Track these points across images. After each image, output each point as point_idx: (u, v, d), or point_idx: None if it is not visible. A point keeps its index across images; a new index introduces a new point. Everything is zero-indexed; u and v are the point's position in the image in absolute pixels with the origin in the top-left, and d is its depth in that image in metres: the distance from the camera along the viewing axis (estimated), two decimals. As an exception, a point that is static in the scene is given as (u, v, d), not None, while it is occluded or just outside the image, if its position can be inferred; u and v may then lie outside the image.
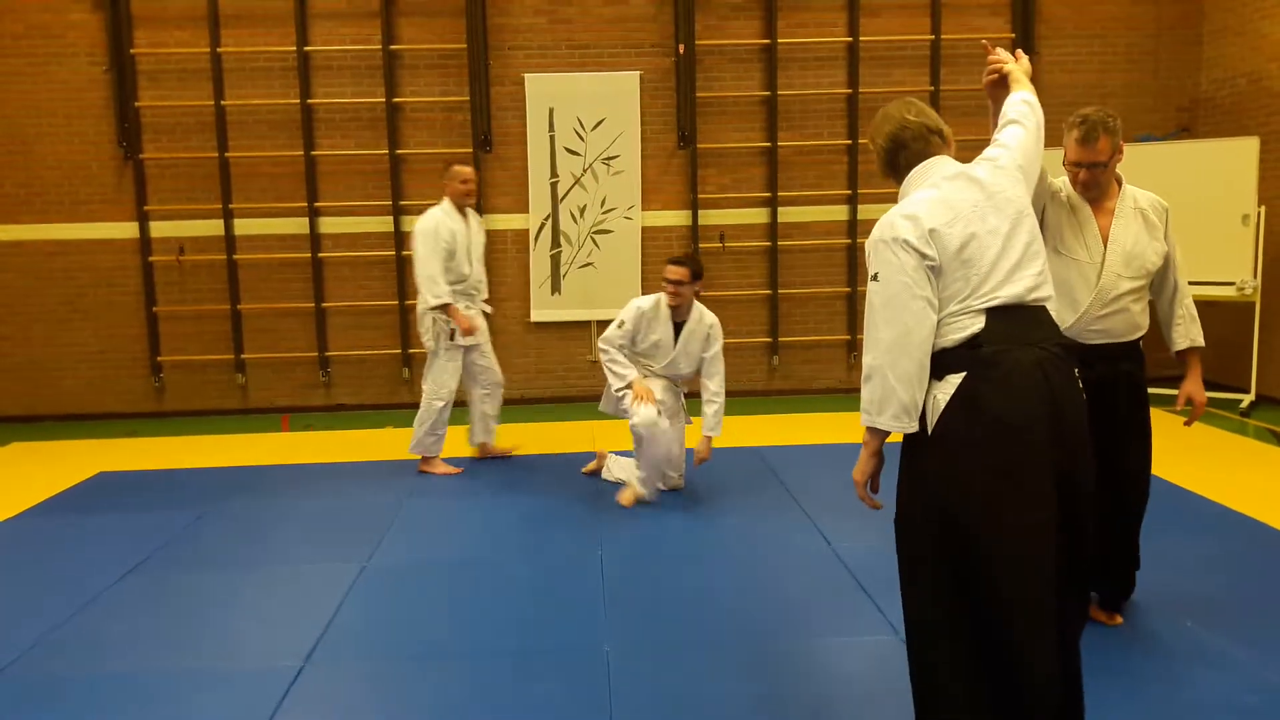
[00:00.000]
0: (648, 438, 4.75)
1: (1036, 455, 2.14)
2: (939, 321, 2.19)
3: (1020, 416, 2.13)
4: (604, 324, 7.46)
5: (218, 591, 3.86)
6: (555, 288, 7.57)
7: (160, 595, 3.84)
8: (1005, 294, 2.18)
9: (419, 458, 5.58)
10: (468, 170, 5.56)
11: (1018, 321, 2.19)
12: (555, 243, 7.52)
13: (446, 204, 5.48)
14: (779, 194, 7.58)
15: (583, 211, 7.50)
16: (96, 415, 7.50)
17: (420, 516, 4.79)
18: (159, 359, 7.53)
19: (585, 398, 7.65)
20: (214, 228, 7.40)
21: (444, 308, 5.38)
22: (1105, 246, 3.14)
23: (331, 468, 5.78)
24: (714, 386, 4.98)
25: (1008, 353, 2.15)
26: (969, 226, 2.21)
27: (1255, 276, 6.65)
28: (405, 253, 7.49)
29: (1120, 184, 3.25)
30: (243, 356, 7.56)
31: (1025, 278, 2.21)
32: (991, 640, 2.16)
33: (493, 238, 7.57)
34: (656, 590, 3.78)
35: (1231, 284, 6.70)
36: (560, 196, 7.50)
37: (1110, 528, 3.14)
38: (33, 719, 2.89)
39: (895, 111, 2.42)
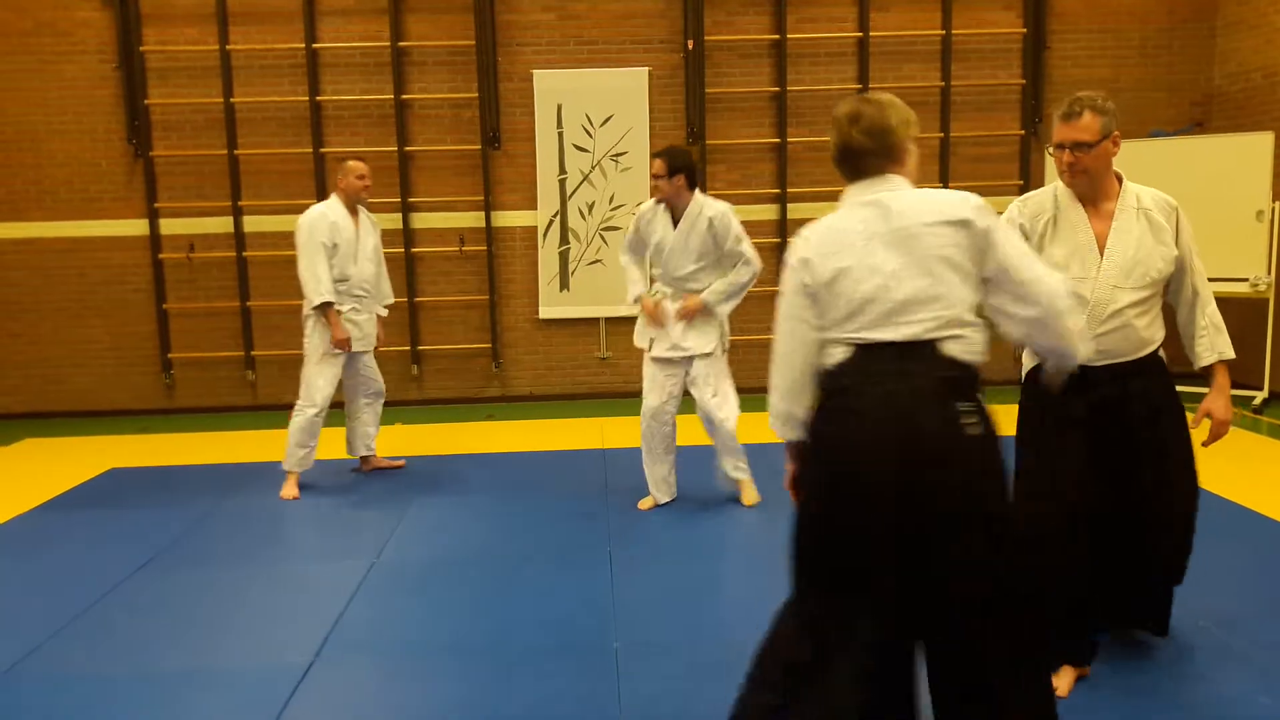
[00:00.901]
0: (644, 431, 4.71)
1: (860, 504, 2.01)
2: (824, 343, 2.16)
3: (845, 459, 2.03)
4: (612, 321, 7.50)
5: (227, 588, 3.87)
6: (564, 284, 7.57)
7: (170, 591, 3.85)
8: (877, 335, 2.06)
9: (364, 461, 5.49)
10: (364, 166, 5.24)
11: (889, 359, 2.05)
12: (564, 239, 7.52)
13: (333, 199, 5.21)
14: (788, 190, 7.56)
15: (591, 208, 7.49)
16: (107, 412, 7.53)
17: (429, 513, 4.79)
18: (169, 356, 7.55)
19: (594, 395, 7.65)
20: (224, 225, 7.42)
21: (324, 308, 5.08)
22: (1101, 255, 2.76)
23: (341, 464, 5.78)
24: (732, 276, 4.64)
25: (858, 392, 2.05)
26: (844, 260, 2.11)
27: (1269, 273, 6.60)
28: (414, 249, 7.51)
29: (1120, 182, 2.86)
30: (253, 353, 7.57)
31: (913, 322, 2.04)
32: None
33: (501, 235, 7.58)
34: (666, 587, 3.78)
35: (1245, 280, 6.65)
36: (569, 193, 7.49)
37: (1127, 570, 2.87)
38: (43, 715, 2.90)
39: (844, 120, 2.21)
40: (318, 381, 5.21)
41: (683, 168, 4.52)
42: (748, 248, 4.67)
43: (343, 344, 5.14)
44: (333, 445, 6.30)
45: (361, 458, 5.55)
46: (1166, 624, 3.06)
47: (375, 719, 2.87)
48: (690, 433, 6.23)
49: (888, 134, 2.15)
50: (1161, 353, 2.89)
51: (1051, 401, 2.69)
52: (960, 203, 2.10)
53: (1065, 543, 2.71)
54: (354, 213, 5.24)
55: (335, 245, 5.09)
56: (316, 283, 5.05)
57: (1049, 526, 2.68)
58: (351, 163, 5.25)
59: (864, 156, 2.18)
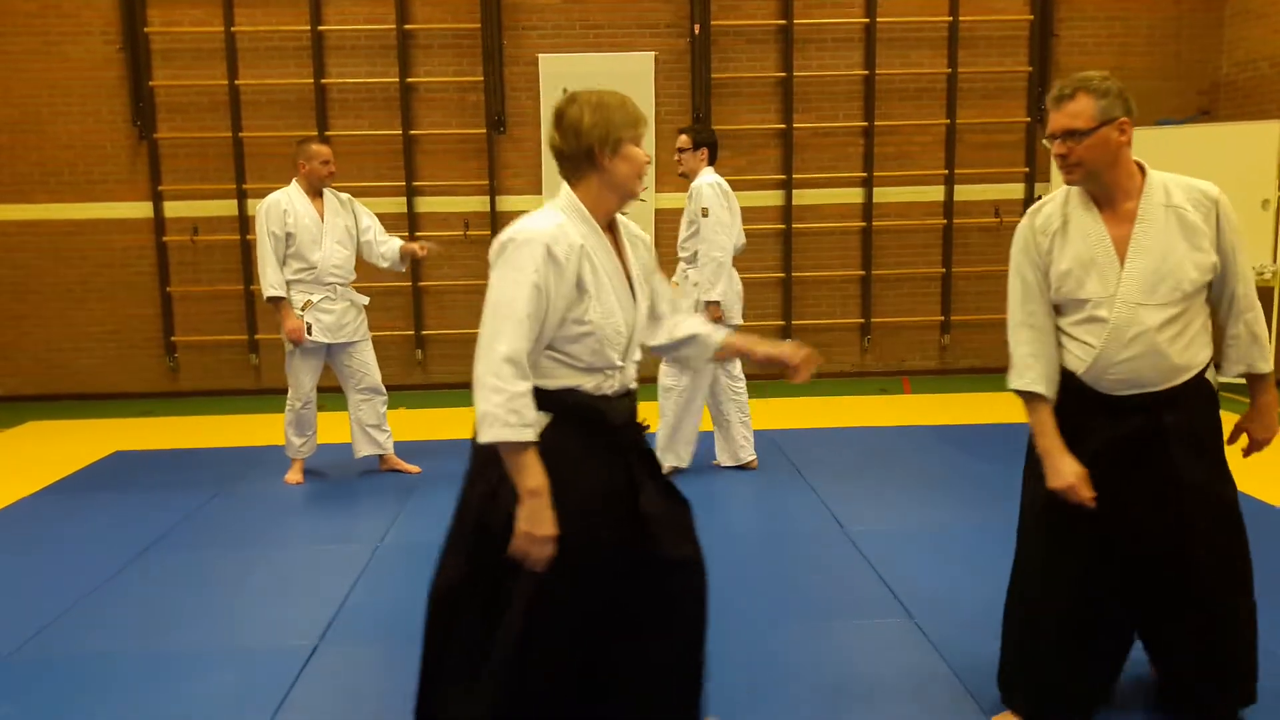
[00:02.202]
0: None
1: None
2: None
3: None
4: (617, 306, 7.49)
5: (232, 571, 3.88)
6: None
7: (175, 573, 3.86)
8: None
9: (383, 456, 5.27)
10: (327, 150, 4.98)
11: None
12: (568, 224, 7.49)
13: (294, 185, 4.93)
14: (794, 176, 7.54)
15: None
16: (111, 395, 7.54)
17: (434, 496, 4.79)
18: (173, 339, 7.55)
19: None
20: (228, 208, 7.41)
21: (275, 301, 4.83)
22: (1121, 267, 2.33)
23: (345, 448, 5.77)
24: None
25: None
26: None
27: (1275, 261, 6.59)
28: (419, 234, 7.49)
29: (1144, 174, 2.41)
30: (256, 337, 7.57)
31: None
32: None
33: (506, 219, 7.53)
34: (670, 572, 3.78)
35: (1251, 269, 6.63)
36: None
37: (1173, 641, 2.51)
38: (48, 696, 2.91)
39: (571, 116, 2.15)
40: (298, 375, 5.02)
41: (702, 142, 4.98)
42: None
43: (296, 336, 4.85)
44: (337, 429, 6.31)
45: (379, 457, 5.30)
46: None
47: (380, 701, 2.87)
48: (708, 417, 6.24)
49: (589, 136, 2.14)
50: (1211, 375, 2.45)
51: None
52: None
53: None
54: (317, 196, 4.96)
55: (290, 234, 4.83)
56: (264, 275, 4.83)
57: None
58: (314, 146, 4.98)
59: (576, 165, 2.23)
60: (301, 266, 4.88)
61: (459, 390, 7.55)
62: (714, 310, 4.80)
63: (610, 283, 2.14)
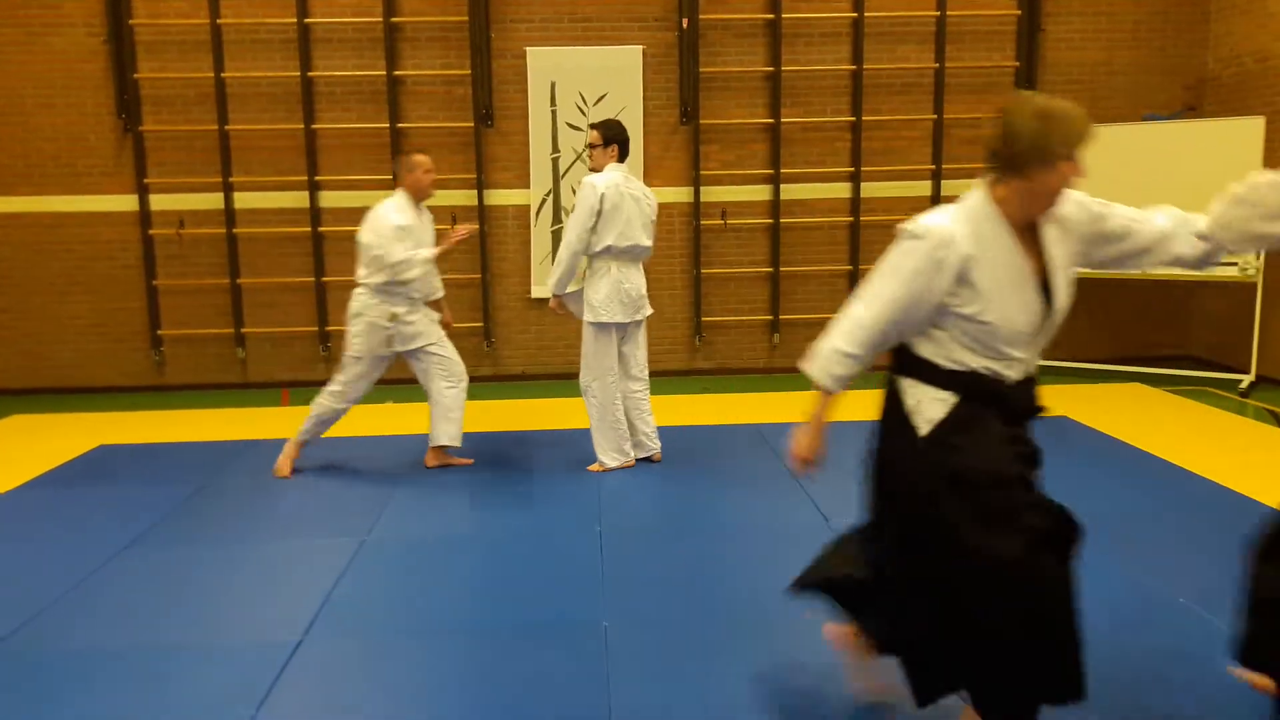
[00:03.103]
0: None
1: None
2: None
3: None
4: (605, 300, 7.48)
5: (216, 565, 3.87)
6: (556, 264, 7.54)
7: (159, 569, 3.85)
8: None
9: (439, 450, 5.18)
10: (429, 159, 5.02)
11: None
12: (557, 218, 7.49)
13: (401, 196, 4.98)
14: (781, 171, 7.55)
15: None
16: (96, 389, 7.50)
17: (419, 492, 4.79)
18: (159, 333, 7.52)
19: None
20: (214, 201, 7.37)
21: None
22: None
23: (331, 442, 5.76)
24: None
25: None
26: None
27: (1258, 257, 6.63)
28: (406, 227, 7.47)
29: None
30: (243, 331, 7.55)
31: None
32: None
33: (494, 213, 7.56)
34: (655, 566, 3.80)
35: (1234, 264, 6.68)
36: (562, 172, 7.46)
37: None
38: (31, 692, 2.90)
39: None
40: (362, 384, 5.15)
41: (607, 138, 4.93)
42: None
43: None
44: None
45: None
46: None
47: (364, 696, 2.88)
48: (681, 412, 6.26)
49: None
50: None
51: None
52: None
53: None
54: (418, 209, 5.05)
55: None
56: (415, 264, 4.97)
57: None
58: (417, 156, 5.00)
59: None
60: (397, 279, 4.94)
61: (446, 384, 7.56)
62: (553, 301, 5.10)
63: (1010, 285, 2.21)
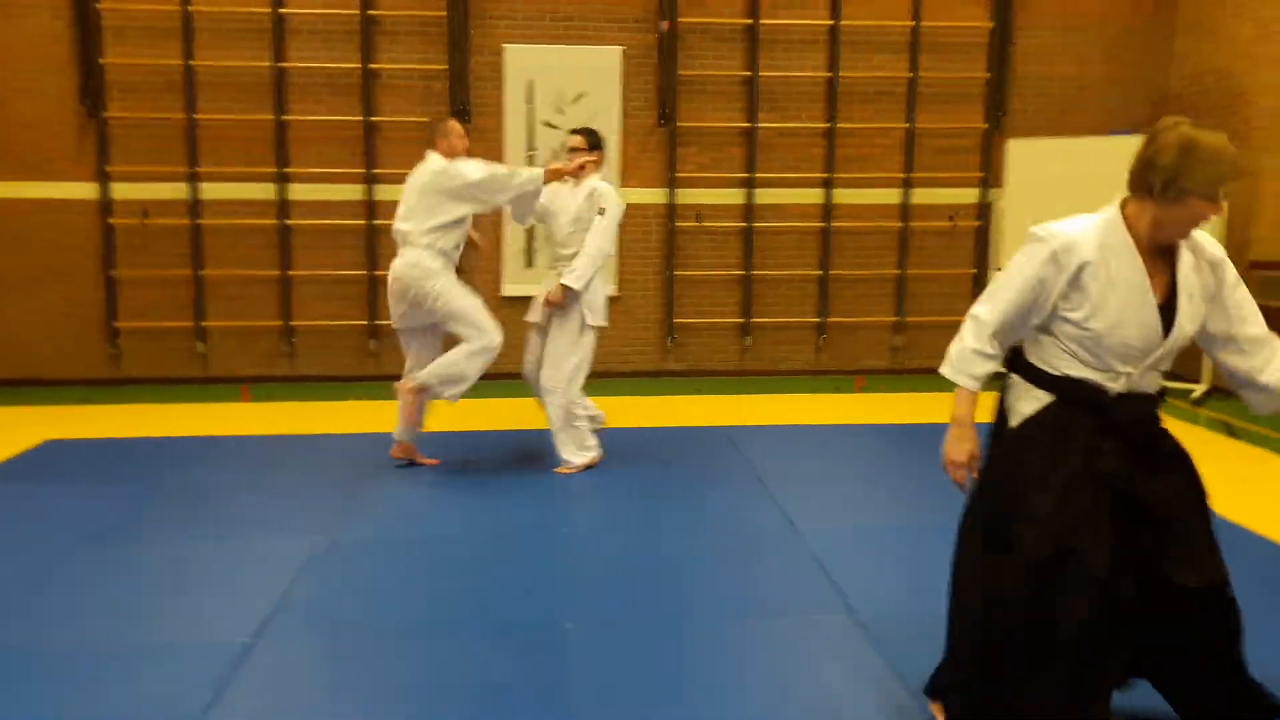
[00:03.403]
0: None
1: None
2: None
3: None
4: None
5: (170, 564, 3.75)
6: (529, 262, 7.50)
7: (109, 567, 3.72)
8: None
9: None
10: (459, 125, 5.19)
11: None
12: (530, 217, 7.43)
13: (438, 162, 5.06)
14: (756, 175, 7.57)
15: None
16: (47, 381, 7.29)
17: (380, 492, 4.70)
18: (117, 324, 7.33)
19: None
20: (179, 191, 7.22)
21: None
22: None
23: (293, 440, 5.66)
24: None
25: None
26: None
27: (1220, 271, 6.76)
28: (375, 222, 7.38)
29: None
30: (204, 324, 7.39)
31: None
32: None
33: (467, 210, 7.48)
34: (618, 568, 3.76)
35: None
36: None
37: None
38: (-15, 689, 2.79)
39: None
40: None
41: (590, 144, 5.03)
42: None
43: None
44: (282, 420, 6.18)
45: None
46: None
47: (317, 699, 2.80)
48: (651, 413, 6.23)
49: None
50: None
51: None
52: None
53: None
54: None
55: None
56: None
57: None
58: (452, 122, 5.15)
59: None
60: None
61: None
62: (558, 296, 4.92)
63: (1126, 298, 2.22)
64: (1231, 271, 2.35)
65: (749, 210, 7.61)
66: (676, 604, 3.43)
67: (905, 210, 7.73)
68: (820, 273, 7.75)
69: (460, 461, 5.20)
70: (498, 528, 4.20)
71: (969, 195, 7.78)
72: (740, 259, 7.70)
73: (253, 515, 4.36)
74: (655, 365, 7.78)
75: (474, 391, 7.26)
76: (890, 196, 7.74)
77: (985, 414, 2.49)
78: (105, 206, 7.19)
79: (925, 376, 7.81)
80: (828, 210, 7.67)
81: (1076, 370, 2.30)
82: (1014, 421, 2.38)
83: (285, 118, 7.22)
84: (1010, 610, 2.27)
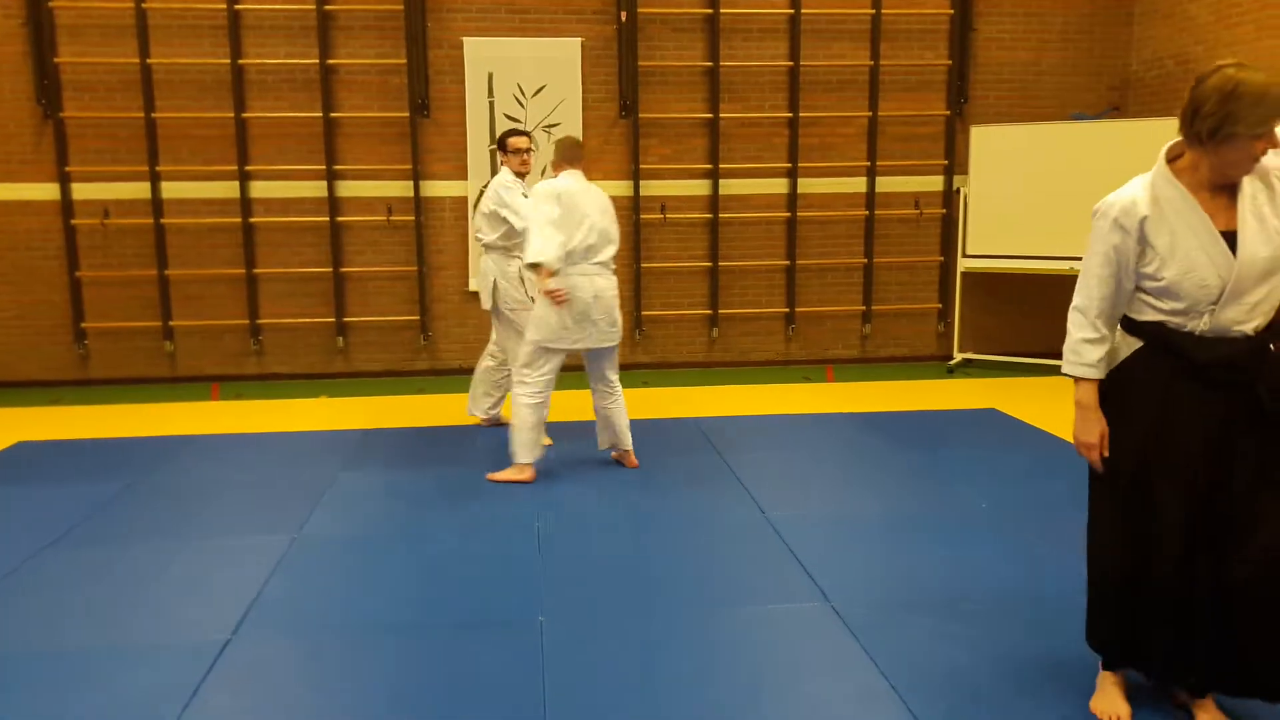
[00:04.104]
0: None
1: None
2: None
3: None
4: (543, 294, 7.44)
5: (143, 564, 3.77)
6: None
7: (81, 568, 3.74)
8: None
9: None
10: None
11: None
12: (494, 211, 7.41)
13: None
14: (720, 166, 7.58)
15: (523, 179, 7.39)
16: (15, 383, 7.25)
17: (353, 488, 4.72)
18: (83, 325, 7.29)
19: (524, 368, 7.60)
20: (140, 190, 7.17)
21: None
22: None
23: (263, 438, 5.67)
24: None
25: None
26: None
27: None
28: (339, 219, 7.35)
29: None
30: (171, 323, 7.36)
31: None
32: None
33: (431, 205, 7.47)
34: (592, 560, 3.79)
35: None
36: (500, 164, 7.37)
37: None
38: (-54, 696, 2.80)
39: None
40: None
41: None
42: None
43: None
44: (251, 419, 6.17)
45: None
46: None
47: (294, 696, 2.83)
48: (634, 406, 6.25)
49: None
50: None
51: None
52: None
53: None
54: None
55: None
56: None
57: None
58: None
59: None
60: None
61: (382, 378, 7.48)
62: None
63: (1192, 243, 2.29)
64: None
65: (714, 201, 7.62)
66: (650, 595, 3.46)
67: (871, 199, 7.76)
68: (787, 263, 7.77)
69: (434, 456, 5.20)
70: (471, 521, 4.22)
71: (934, 182, 7.81)
72: (706, 250, 7.71)
73: (226, 513, 4.38)
74: (623, 358, 7.75)
75: (444, 385, 7.28)
76: (855, 185, 7.76)
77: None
78: (66, 207, 7.13)
79: (892, 365, 7.87)
80: (793, 200, 7.69)
81: (1157, 315, 2.39)
82: (1113, 364, 2.50)
83: (245, 115, 7.17)
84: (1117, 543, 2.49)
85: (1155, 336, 2.40)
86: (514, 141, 5.35)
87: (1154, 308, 2.39)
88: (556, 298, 4.56)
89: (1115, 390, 2.48)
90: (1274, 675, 2.38)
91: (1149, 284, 2.38)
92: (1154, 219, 2.32)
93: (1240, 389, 2.34)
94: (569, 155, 4.85)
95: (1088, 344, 2.46)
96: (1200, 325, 2.34)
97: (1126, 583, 2.48)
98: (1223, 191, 2.32)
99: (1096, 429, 2.47)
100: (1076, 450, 2.53)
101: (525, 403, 4.68)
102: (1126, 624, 2.52)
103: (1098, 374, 2.47)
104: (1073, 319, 2.49)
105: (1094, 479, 2.55)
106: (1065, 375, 2.52)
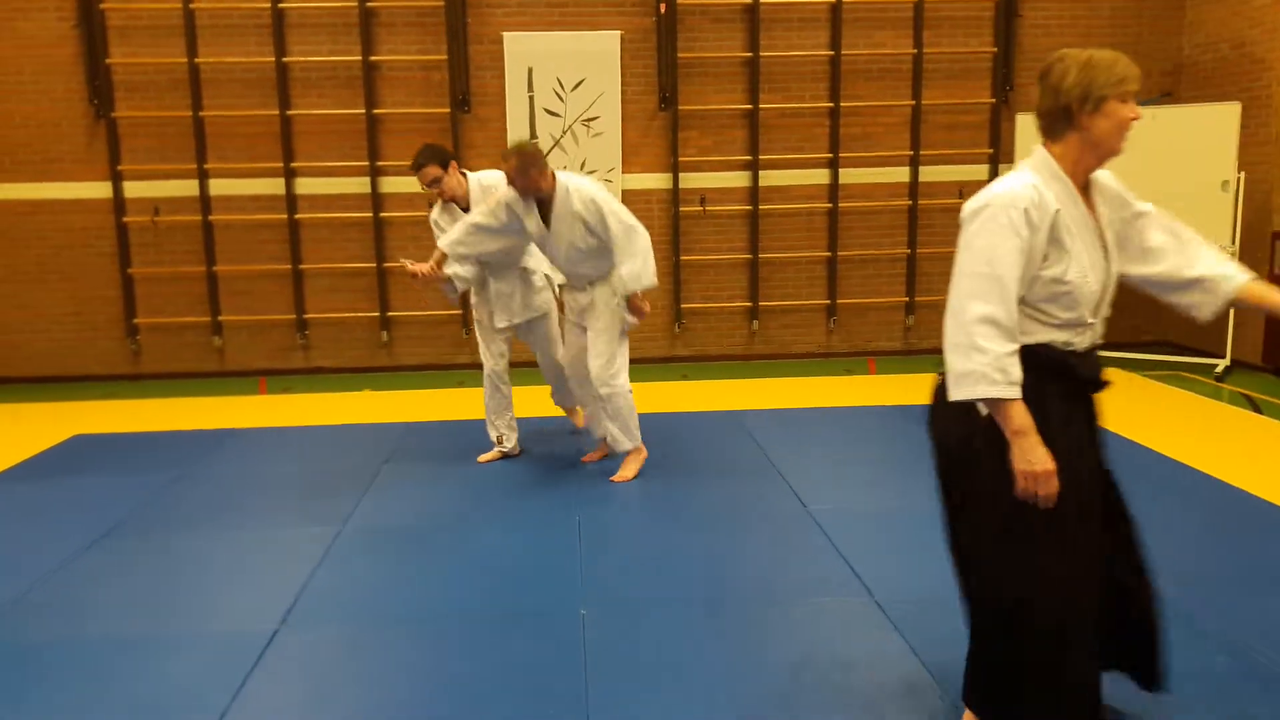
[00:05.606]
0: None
1: None
2: None
3: None
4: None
5: (193, 555, 3.85)
6: (535, 251, 7.51)
7: (136, 558, 3.83)
8: None
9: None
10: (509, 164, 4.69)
11: None
12: (535, 205, 7.44)
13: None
14: (760, 157, 7.53)
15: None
16: (72, 378, 7.44)
17: (397, 480, 4.78)
18: (135, 321, 7.45)
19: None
20: (189, 188, 7.30)
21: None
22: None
23: (309, 431, 5.75)
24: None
25: None
26: None
27: (1233, 243, 6.68)
28: (383, 214, 7.43)
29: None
30: (219, 319, 7.49)
31: None
32: None
33: (472, 200, 7.50)
34: (633, 552, 3.80)
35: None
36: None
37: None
38: (6, 683, 2.88)
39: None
40: None
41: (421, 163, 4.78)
42: None
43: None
44: (298, 412, 6.27)
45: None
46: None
47: (340, 685, 2.87)
48: (661, 399, 6.26)
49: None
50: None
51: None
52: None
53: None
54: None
55: None
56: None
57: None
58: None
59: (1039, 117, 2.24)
60: None
61: (424, 372, 7.55)
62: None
63: (1085, 243, 2.16)
64: (1128, 193, 2.32)
65: (754, 193, 7.58)
66: (691, 588, 3.46)
67: (914, 189, 7.67)
68: (829, 254, 7.71)
69: (478, 449, 5.24)
70: (513, 514, 4.26)
71: (978, 172, 7.70)
72: (746, 242, 7.68)
73: (274, 505, 4.46)
74: (664, 351, 7.80)
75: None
76: (898, 175, 7.68)
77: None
78: (119, 205, 7.28)
79: (936, 357, 7.77)
80: (834, 191, 7.63)
81: (1045, 334, 2.18)
82: (985, 410, 2.17)
83: (290, 112, 7.26)
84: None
85: (1044, 359, 2.16)
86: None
87: (1043, 323, 2.17)
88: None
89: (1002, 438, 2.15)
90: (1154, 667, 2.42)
91: (1049, 290, 2.14)
92: (1063, 213, 2.12)
93: (1090, 402, 2.30)
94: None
95: (1012, 358, 2.07)
96: (1083, 341, 2.21)
97: (1083, 618, 2.22)
98: (1083, 193, 2.23)
99: (1045, 452, 2.10)
100: (1025, 487, 2.11)
101: (629, 390, 4.63)
102: (1090, 667, 2.27)
103: (1020, 392, 2.09)
104: (982, 332, 2.06)
105: (1015, 518, 2.17)
106: (985, 399, 2.10)
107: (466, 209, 4.80)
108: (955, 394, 2.11)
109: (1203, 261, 2.30)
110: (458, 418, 5.95)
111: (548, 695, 2.76)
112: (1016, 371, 2.08)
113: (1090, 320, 2.21)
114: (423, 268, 4.67)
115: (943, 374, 2.28)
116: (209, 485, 4.73)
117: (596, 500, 4.42)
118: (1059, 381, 2.19)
